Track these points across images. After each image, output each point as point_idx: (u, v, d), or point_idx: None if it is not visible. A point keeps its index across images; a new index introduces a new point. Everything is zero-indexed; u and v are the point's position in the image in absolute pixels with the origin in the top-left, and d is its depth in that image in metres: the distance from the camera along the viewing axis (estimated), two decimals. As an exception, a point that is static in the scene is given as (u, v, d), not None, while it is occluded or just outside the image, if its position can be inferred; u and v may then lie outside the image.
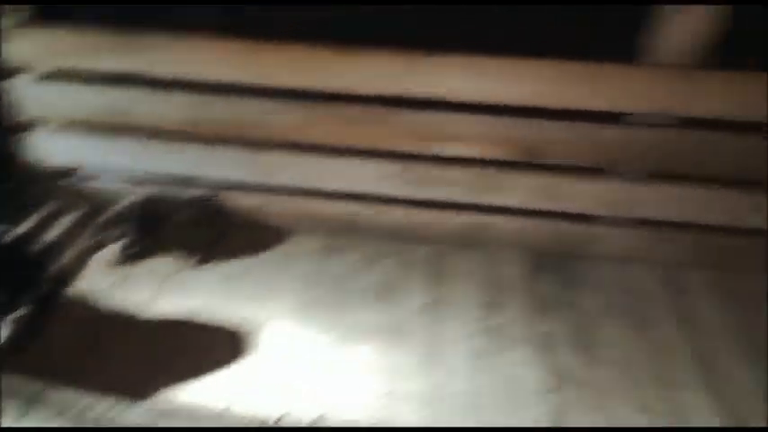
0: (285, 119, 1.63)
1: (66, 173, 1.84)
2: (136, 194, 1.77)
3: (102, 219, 1.75)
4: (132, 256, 1.70)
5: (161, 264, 1.71)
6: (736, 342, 1.52)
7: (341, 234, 1.83)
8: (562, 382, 1.40)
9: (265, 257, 1.76)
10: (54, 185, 1.84)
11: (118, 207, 1.76)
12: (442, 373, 1.42)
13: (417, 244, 1.81)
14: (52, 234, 1.69)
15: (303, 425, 1.28)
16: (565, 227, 1.76)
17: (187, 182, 1.80)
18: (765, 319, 1.57)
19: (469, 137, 1.61)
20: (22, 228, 1.67)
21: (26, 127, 1.76)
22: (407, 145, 1.65)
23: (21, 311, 1.46)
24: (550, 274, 1.73)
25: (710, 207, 1.65)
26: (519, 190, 1.70)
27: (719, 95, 1.44)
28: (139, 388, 1.33)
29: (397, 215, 1.81)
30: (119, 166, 1.83)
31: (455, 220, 1.79)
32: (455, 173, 1.69)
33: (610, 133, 1.55)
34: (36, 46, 1.63)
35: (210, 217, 1.76)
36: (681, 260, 1.75)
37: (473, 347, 1.49)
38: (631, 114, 1.50)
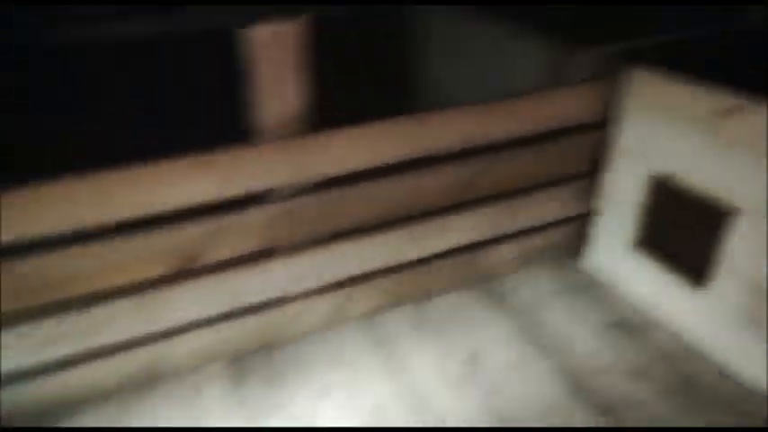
0: None
1: None
2: None
3: None
4: None
5: None
6: (438, 370, 1.56)
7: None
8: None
9: None
10: None
11: None
12: None
13: (83, 411, 1.45)
14: None
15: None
16: (258, 319, 1.61)
17: None
18: (460, 337, 1.67)
19: (109, 265, 1.34)
20: None
21: None
22: (26, 299, 1.29)
23: None
24: (256, 377, 1.55)
25: (382, 251, 1.68)
26: (191, 301, 1.48)
27: (340, 152, 1.46)
28: None
29: (47, 387, 1.42)
30: None
31: (127, 363, 1.48)
32: (107, 311, 1.39)
33: (262, 214, 1.45)
34: None
35: None
36: (378, 307, 1.77)
37: None
38: (275, 190, 1.44)
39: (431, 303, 1.82)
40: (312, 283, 1.63)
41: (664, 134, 1.63)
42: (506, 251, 1.90)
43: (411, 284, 1.80)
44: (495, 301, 1.83)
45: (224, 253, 1.46)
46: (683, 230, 1.69)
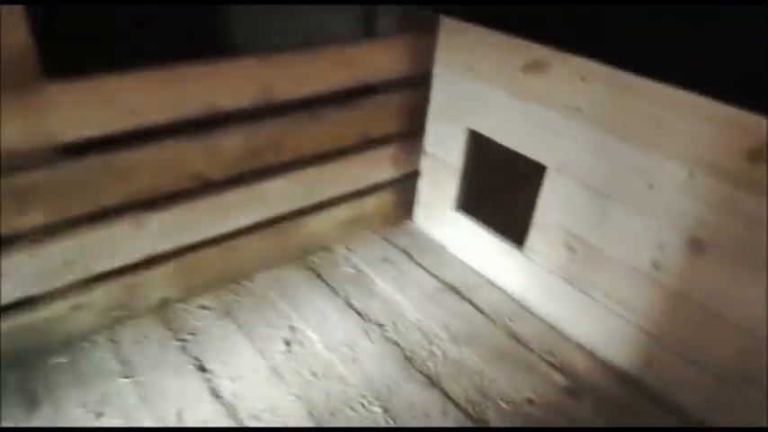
0: None
1: None
2: None
3: None
4: None
5: None
6: (252, 361, 1.35)
7: None
8: None
9: None
10: None
11: None
12: None
13: None
14: None
15: None
16: (7, 325, 1.25)
17: None
18: (279, 319, 1.47)
19: None
20: None
21: None
22: None
23: None
24: (7, 399, 1.21)
25: (172, 229, 1.40)
26: None
27: (92, 109, 1.15)
28: None
29: None
30: None
31: None
32: None
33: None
34: None
35: None
36: (179, 295, 1.49)
37: None
38: None
39: (246, 283, 1.59)
40: (77, 275, 1.29)
41: (473, 92, 1.54)
42: (329, 218, 1.72)
43: (219, 264, 1.54)
44: (320, 274, 1.65)
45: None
46: (502, 190, 1.64)
